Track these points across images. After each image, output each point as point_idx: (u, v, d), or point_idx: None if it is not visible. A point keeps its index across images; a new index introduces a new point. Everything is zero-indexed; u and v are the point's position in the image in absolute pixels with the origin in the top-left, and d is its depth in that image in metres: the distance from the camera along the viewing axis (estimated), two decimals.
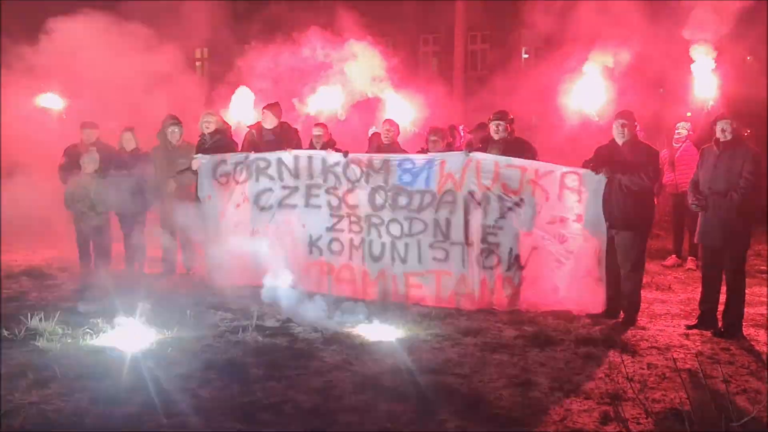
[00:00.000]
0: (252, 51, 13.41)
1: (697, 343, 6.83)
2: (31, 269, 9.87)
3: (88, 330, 6.74)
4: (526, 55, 28.08)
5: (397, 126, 9.15)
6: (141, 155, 9.69)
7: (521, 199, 7.94)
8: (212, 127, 9.40)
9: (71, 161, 9.51)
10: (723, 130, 7.04)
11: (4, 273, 9.56)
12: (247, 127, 9.77)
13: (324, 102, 12.10)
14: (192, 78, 14.99)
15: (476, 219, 8.06)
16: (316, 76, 12.22)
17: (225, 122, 9.77)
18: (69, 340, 6.55)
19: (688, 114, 10.51)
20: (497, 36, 26.02)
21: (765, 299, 8.35)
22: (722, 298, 7.23)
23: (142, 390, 5.44)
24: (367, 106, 12.44)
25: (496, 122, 8.36)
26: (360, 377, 5.81)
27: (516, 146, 8.25)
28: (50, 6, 11.53)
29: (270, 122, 9.38)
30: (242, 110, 11.92)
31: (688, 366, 6.19)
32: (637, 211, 7.37)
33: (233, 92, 12.15)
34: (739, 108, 7.42)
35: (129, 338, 6.55)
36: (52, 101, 11.76)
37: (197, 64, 32.39)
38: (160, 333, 6.77)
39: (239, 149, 9.40)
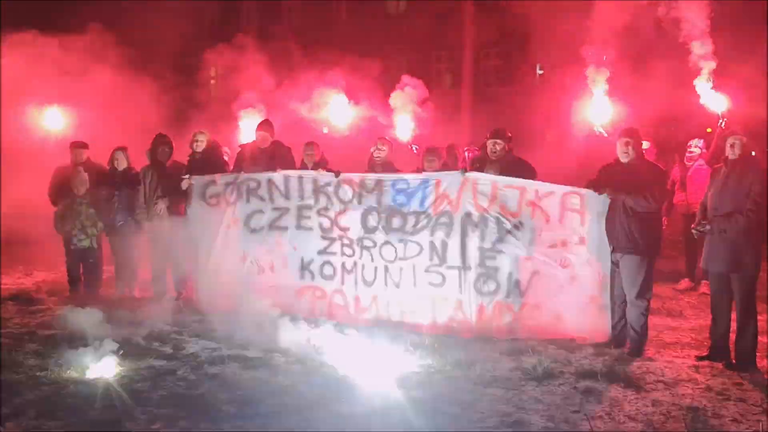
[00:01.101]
0: (261, 71, 13.13)
1: (708, 377, 6.36)
2: (19, 293, 9.59)
3: (59, 361, 6.40)
4: (541, 71, 27.72)
5: (391, 144, 8.80)
6: (132, 175, 9.41)
7: (520, 222, 7.55)
8: (203, 146, 9.11)
9: (61, 182, 9.26)
10: (732, 146, 6.63)
11: None
12: (239, 146, 9.48)
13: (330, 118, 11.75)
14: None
15: (473, 242, 7.68)
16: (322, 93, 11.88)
17: (216, 141, 9.48)
18: (38, 372, 6.22)
19: (708, 130, 10.06)
20: (511, 52, 25.72)
21: None
22: (734, 326, 6.76)
23: (106, 429, 5.10)
24: (372, 123, 12.11)
25: (493, 140, 7.98)
26: (339, 416, 5.41)
27: (514, 166, 7.86)
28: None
29: (263, 141, 9.08)
30: (248, 128, 11.59)
31: (696, 403, 5.74)
32: (642, 234, 6.92)
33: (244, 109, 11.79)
34: (750, 127, 7.02)
35: (101, 370, 6.20)
36: (51, 119, 11.52)
37: (212, 81, 32.44)
38: (135, 364, 6.43)
39: (230, 169, 9.11)
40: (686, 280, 10.06)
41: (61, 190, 9.26)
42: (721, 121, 8.65)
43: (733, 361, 6.61)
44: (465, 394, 5.94)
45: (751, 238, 6.47)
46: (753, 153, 6.82)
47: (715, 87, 8.40)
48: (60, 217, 9.29)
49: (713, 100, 8.47)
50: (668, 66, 10.29)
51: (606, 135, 9.51)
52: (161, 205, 9.08)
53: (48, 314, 8.54)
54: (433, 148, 8.69)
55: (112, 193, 9.20)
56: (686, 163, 9.94)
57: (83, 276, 9.44)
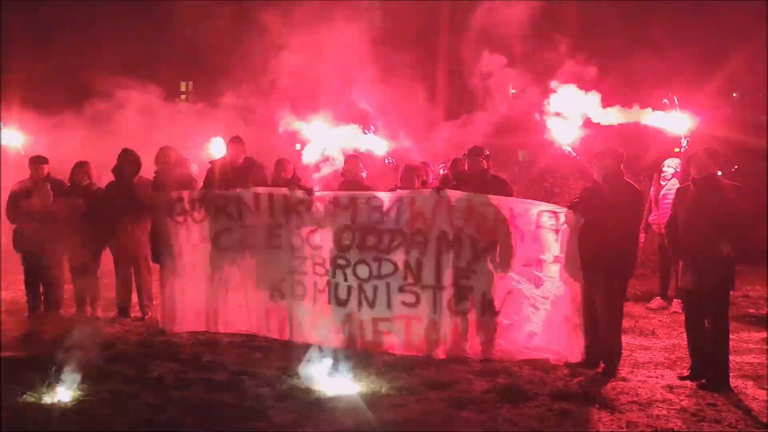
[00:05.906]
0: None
1: (682, 397, 6.26)
2: None
3: (15, 386, 6.10)
4: (513, 91, 27.86)
5: (359, 161, 8.67)
6: (95, 191, 9.13)
7: (495, 240, 7.44)
8: (170, 162, 8.87)
9: (20, 199, 8.93)
10: (694, 166, 6.66)
11: None
12: (209, 162, 9.27)
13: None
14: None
15: (448, 261, 7.54)
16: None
17: (183, 157, 9.24)
18: None
19: (677, 150, 10.10)
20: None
21: (754, 346, 7.82)
22: None
23: None
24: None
25: (471, 158, 7.89)
26: None
27: (491, 184, 7.77)
28: None
29: (234, 157, 8.89)
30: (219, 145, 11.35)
31: (670, 425, 5.62)
32: (616, 254, 6.83)
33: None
34: (715, 146, 7.04)
35: (60, 395, 5.93)
36: (10, 137, 11.17)
37: (182, 96, 32.14)
38: (96, 388, 6.15)
39: (199, 185, 8.88)
40: (658, 299, 10.02)
41: (20, 206, 8.92)
42: (683, 140, 8.69)
43: (704, 382, 6.54)
44: (438, 416, 5.78)
45: (723, 255, 6.43)
46: (719, 173, 6.80)
47: (678, 107, 8.44)
48: (19, 235, 8.99)
49: (674, 121, 8.50)
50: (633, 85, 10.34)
51: (575, 155, 9.47)
52: (126, 223, 8.81)
53: (5, 335, 8.20)
54: (413, 166, 8.56)
55: (74, 210, 8.89)
56: (661, 182, 9.94)
57: (43, 295, 9.13)
